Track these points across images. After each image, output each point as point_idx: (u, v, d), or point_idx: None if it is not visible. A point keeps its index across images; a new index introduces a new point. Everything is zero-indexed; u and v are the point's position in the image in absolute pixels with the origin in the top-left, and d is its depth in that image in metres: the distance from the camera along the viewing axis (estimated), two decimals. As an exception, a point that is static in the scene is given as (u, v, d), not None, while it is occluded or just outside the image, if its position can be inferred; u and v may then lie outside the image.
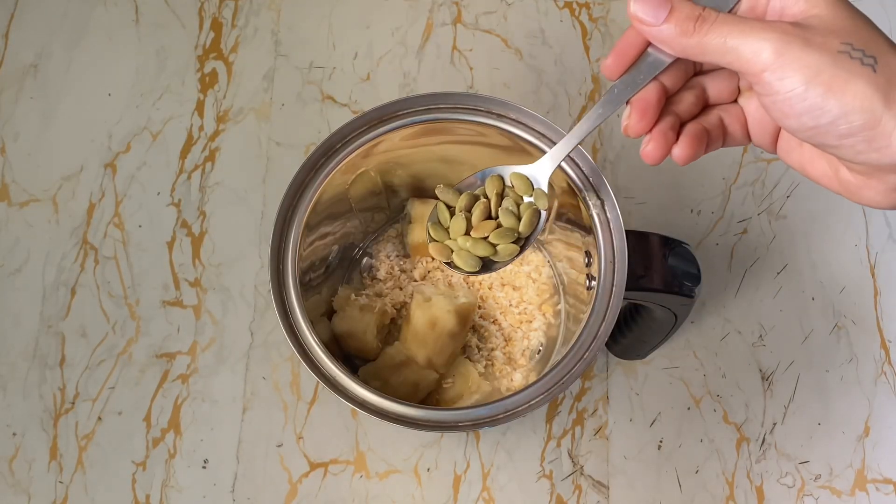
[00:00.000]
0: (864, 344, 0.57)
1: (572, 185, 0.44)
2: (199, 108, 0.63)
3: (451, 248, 0.41)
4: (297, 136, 0.62)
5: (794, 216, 0.60)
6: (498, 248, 0.40)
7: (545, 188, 0.39)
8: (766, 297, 0.58)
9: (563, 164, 0.44)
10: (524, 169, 0.39)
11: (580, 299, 0.49)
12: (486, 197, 0.40)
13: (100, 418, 0.55)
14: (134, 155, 0.61)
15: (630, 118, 0.33)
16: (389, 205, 0.54)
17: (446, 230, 0.41)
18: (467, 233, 0.40)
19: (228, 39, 0.65)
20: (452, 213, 0.41)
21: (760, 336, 0.57)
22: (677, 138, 0.33)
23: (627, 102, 0.33)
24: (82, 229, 0.60)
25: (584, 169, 0.44)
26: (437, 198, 0.41)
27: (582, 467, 0.54)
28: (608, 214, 0.43)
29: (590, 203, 0.43)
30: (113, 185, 0.61)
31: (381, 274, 0.55)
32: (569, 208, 0.47)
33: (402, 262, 0.55)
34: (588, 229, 0.44)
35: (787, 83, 0.27)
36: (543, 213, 0.40)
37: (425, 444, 0.55)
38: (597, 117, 0.34)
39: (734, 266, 0.58)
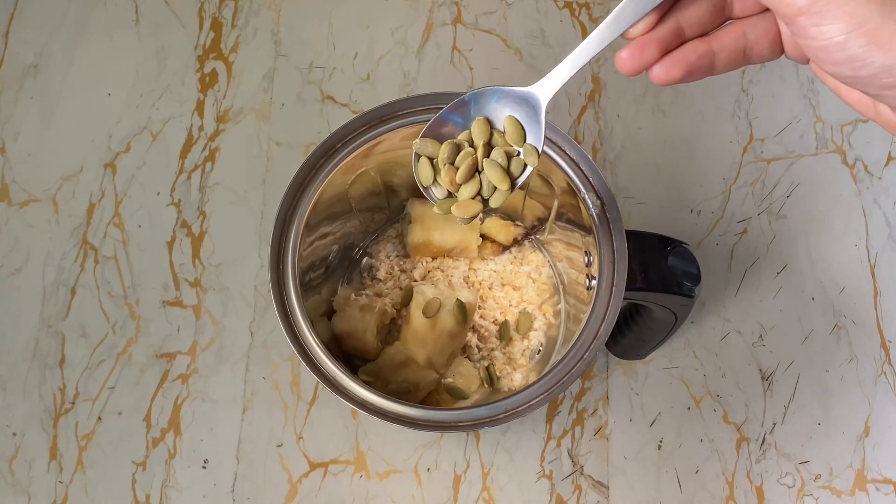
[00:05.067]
0: (864, 344, 0.57)
1: (572, 184, 0.44)
2: (199, 108, 0.63)
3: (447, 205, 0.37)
4: (297, 136, 0.62)
5: (793, 216, 0.60)
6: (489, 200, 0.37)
7: (542, 119, 0.34)
8: (766, 297, 0.58)
9: (563, 164, 0.44)
10: (520, 93, 0.34)
11: (580, 299, 0.49)
12: (471, 145, 0.36)
13: (100, 418, 0.55)
14: (134, 155, 0.61)
15: (624, 51, 0.29)
16: (389, 205, 0.54)
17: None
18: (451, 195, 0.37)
19: (228, 39, 0.65)
20: (434, 166, 0.37)
21: (760, 336, 0.57)
22: (667, 53, 0.30)
23: (629, 29, 0.30)
24: (82, 229, 0.60)
25: (584, 169, 0.44)
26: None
27: (582, 467, 0.54)
28: (608, 214, 0.43)
29: (589, 203, 0.43)
30: (113, 185, 0.61)
31: (381, 274, 0.55)
32: (569, 208, 0.47)
33: (402, 262, 0.55)
34: (588, 229, 0.44)
35: (825, 30, 0.24)
36: (529, 169, 0.36)
37: (425, 444, 0.55)
38: (602, 40, 0.30)
39: (734, 266, 0.59)
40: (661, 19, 0.30)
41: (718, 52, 0.30)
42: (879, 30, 0.24)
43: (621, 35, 0.30)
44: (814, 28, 0.25)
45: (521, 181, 0.36)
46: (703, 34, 0.30)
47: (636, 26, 0.30)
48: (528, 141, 0.35)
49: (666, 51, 0.30)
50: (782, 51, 0.30)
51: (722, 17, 0.30)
